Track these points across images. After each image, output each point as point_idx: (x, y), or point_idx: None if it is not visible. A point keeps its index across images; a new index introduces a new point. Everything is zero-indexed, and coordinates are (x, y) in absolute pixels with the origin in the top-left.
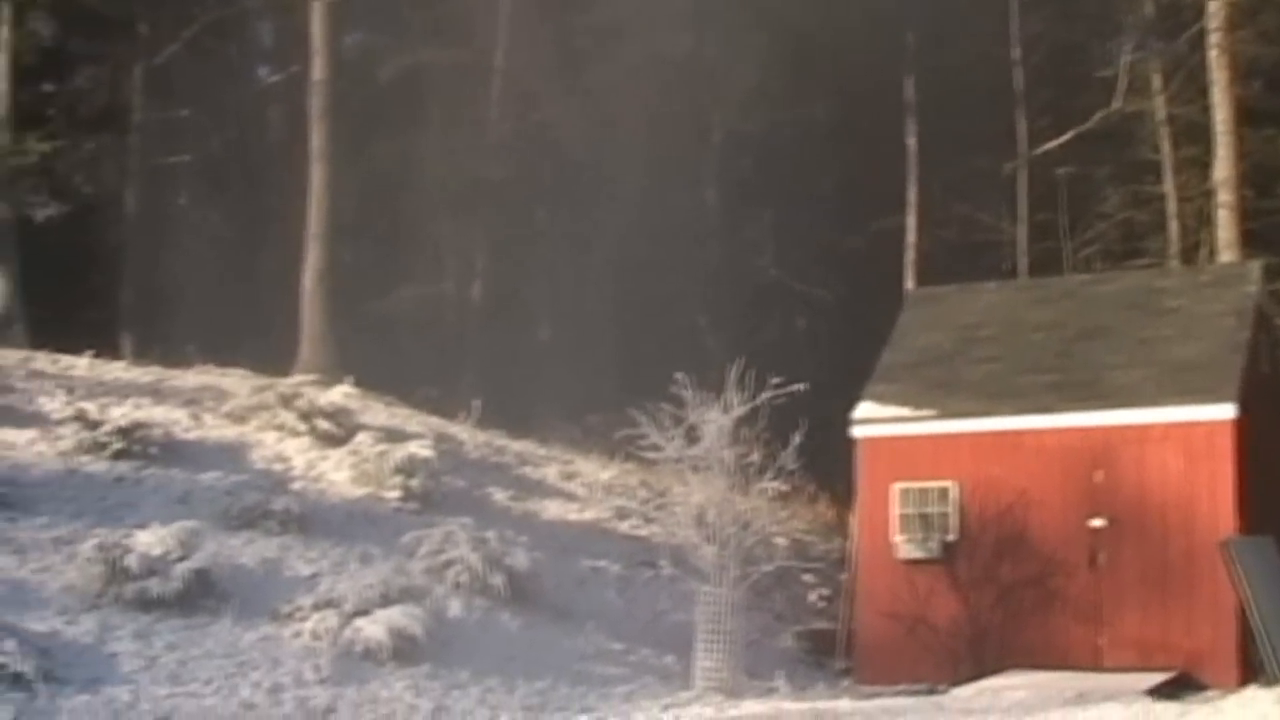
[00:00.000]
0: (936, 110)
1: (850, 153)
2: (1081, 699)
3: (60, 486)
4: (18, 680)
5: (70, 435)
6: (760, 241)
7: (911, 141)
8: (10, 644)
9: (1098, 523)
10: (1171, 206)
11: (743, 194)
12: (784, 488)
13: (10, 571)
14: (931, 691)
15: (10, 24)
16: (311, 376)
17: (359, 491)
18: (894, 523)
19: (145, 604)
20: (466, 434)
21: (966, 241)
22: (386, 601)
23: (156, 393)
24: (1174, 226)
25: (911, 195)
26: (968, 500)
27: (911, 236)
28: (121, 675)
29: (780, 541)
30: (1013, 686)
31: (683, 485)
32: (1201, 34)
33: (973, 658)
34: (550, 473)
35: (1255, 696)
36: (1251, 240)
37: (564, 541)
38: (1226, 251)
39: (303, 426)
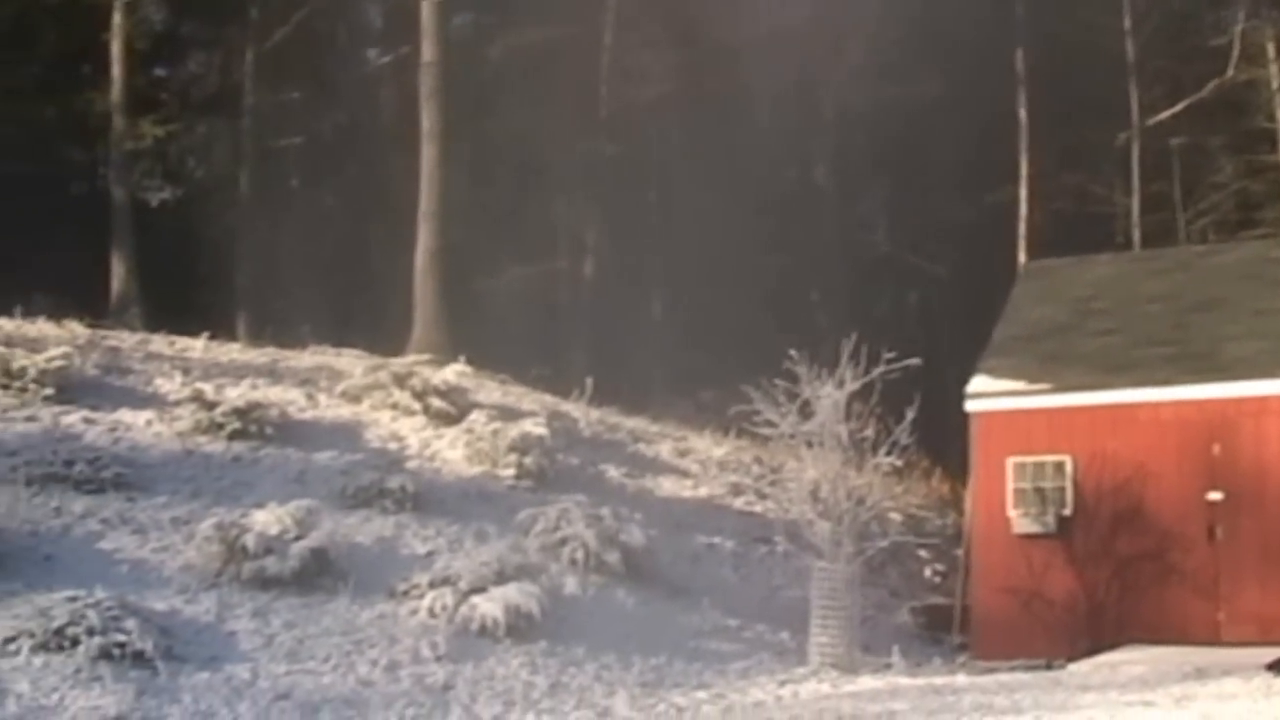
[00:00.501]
0: (1048, 81)
1: (961, 125)
2: (1200, 674)
3: (178, 467)
4: (139, 658)
5: (187, 416)
6: (872, 216)
7: (1023, 113)
8: (131, 623)
9: (1215, 496)
10: None
11: (854, 169)
12: (898, 463)
13: (130, 551)
14: (1048, 667)
15: (123, 10)
16: (425, 356)
17: (474, 470)
18: (1009, 497)
19: (263, 583)
20: (580, 411)
21: (1079, 213)
22: (502, 579)
23: (272, 373)
24: None
25: (1023, 167)
26: (1083, 474)
27: (1024, 209)
28: (240, 653)
29: (895, 517)
30: (1130, 661)
31: (797, 461)
32: None
33: (1089, 633)
34: (664, 449)
35: None
36: None
37: (678, 518)
38: None
39: (417, 405)
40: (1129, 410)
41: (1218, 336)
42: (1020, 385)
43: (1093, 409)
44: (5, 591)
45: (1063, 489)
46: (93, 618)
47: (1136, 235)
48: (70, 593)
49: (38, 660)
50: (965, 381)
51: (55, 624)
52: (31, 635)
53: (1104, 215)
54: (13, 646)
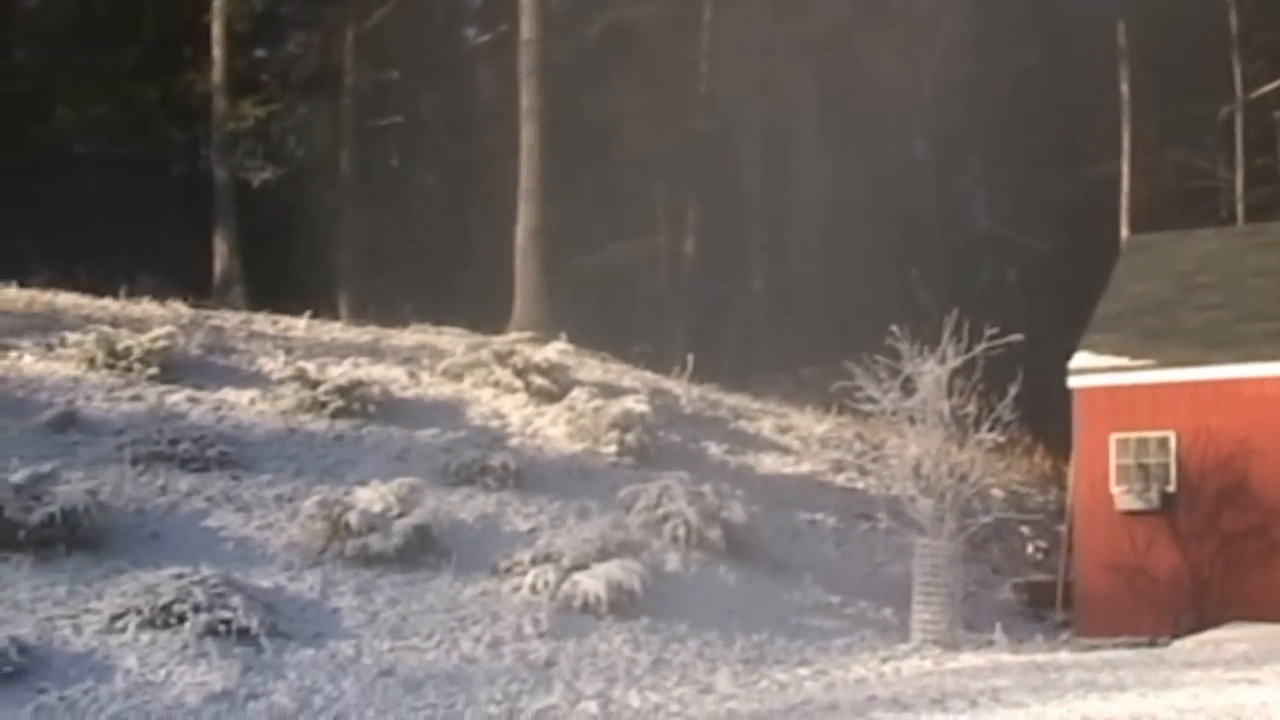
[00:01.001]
0: (1150, 55)
1: (1062, 100)
2: None
3: (281, 445)
4: (244, 635)
5: (290, 394)
6: (971, 192)
7: (1125, 87)
8: (236, 600)
9: None
10: None
11: (953, 144)
12: (1000, 439)
13: (235, 529)
14: (1152, 644)
15: None
16: (526, 334)
17: (575, 447)
18: (1112, 473)
19: (366, 560)
20: (681, 389)
21: (1182, 188)
22: (604, 556)
23: (374, 352)
24: None
25: (1125, 142)
26: (1187, 450)
27: (1126, 184)
28: (344, 630)
29: (997, 493)
30: (1235, 639)
31: (898, 437)
32: None
33: (1194, 610)
34: (765, 426)
35: None
36: None
37: (780, 495)
38: None
39: (518, 383)
40: (1233, 386)
41: None
42: (1123, 361)
43: (1196, 384)
44: (112, 569)
45: (1166, 465)
46: (198, 595)
47: (1240, 209)
48: (176, 570)
49: (145, 637)
50: (1067, 358)
51: (162, 601)
52: (139, 612)
53: (1207, 190)
54: (120, 624)
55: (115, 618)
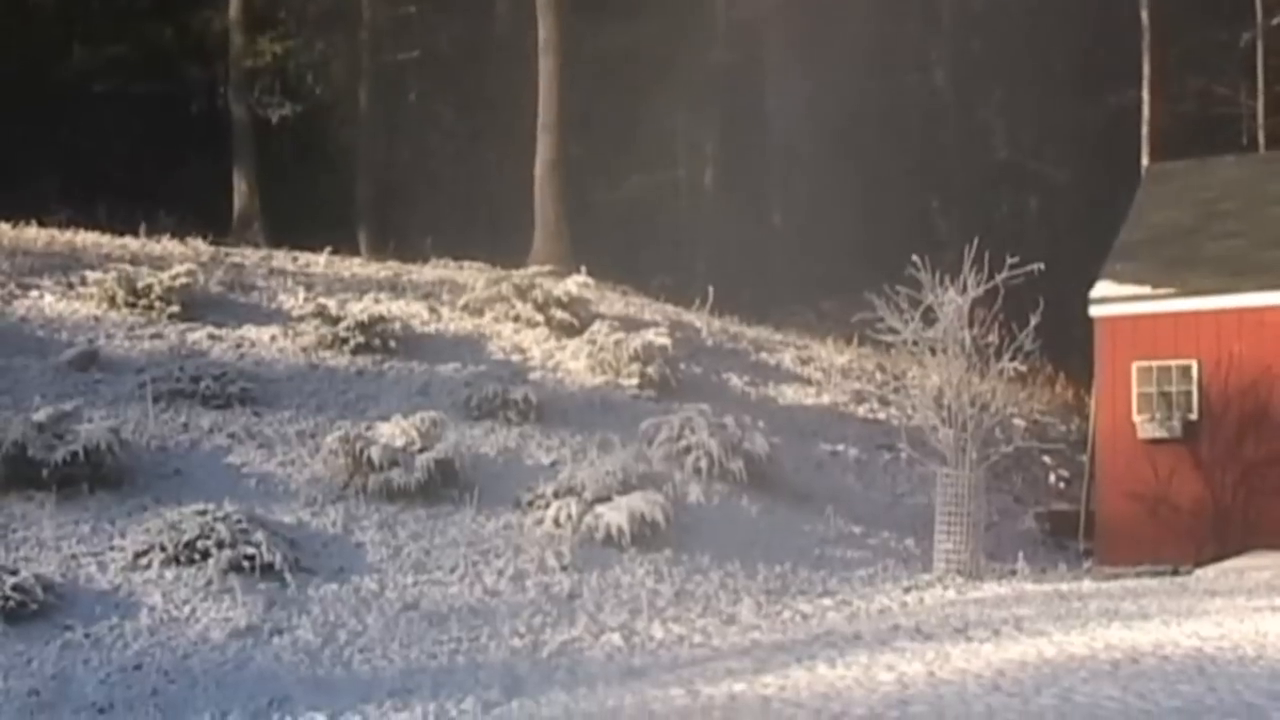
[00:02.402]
0: None
1: (1081, 28)
2: None
3: (303, 381)
4: (268, 570)
5: (311, 331)
6: (991, 122)
7: (1144, 14)
8: (260, 535)
9: None
10: None
11: (973, 74)
12: (1022, 369)
13: (257, 465)
14: (1175, 572)
15: None
16: (546, 268)
17: (596, 380)
18: (1134, 402)
19: (389, 494)
20: (701, 321)
21: (1203, 115)
22: (626, 488)
23: (394, 287)
24: None
25: (1146, 69)
26: (1209, 378)
27: (1146, 112)
28: (368, 564)
29: (1018, 423)
30: (1258, 567)
31: (920, 368)
32: None
33: (1216, 538)
34: (786, 358)
35: None
36: None
37: (801, 426)
38: None
39: (539, 317)
40: (1255, 314)
41: None
42: (1145, 290)
43: (1218, 313)
44: (136, 506)
45: (1188, 393)
46: (222, 531)
47: (1261, 137)
48: (199, 507)
49: (169, 573)
50: (1089, 287)
51: (185, 538)
52: (162, 549)
53: (1229, 117)
54: (144, 560)
55: (139, 555)
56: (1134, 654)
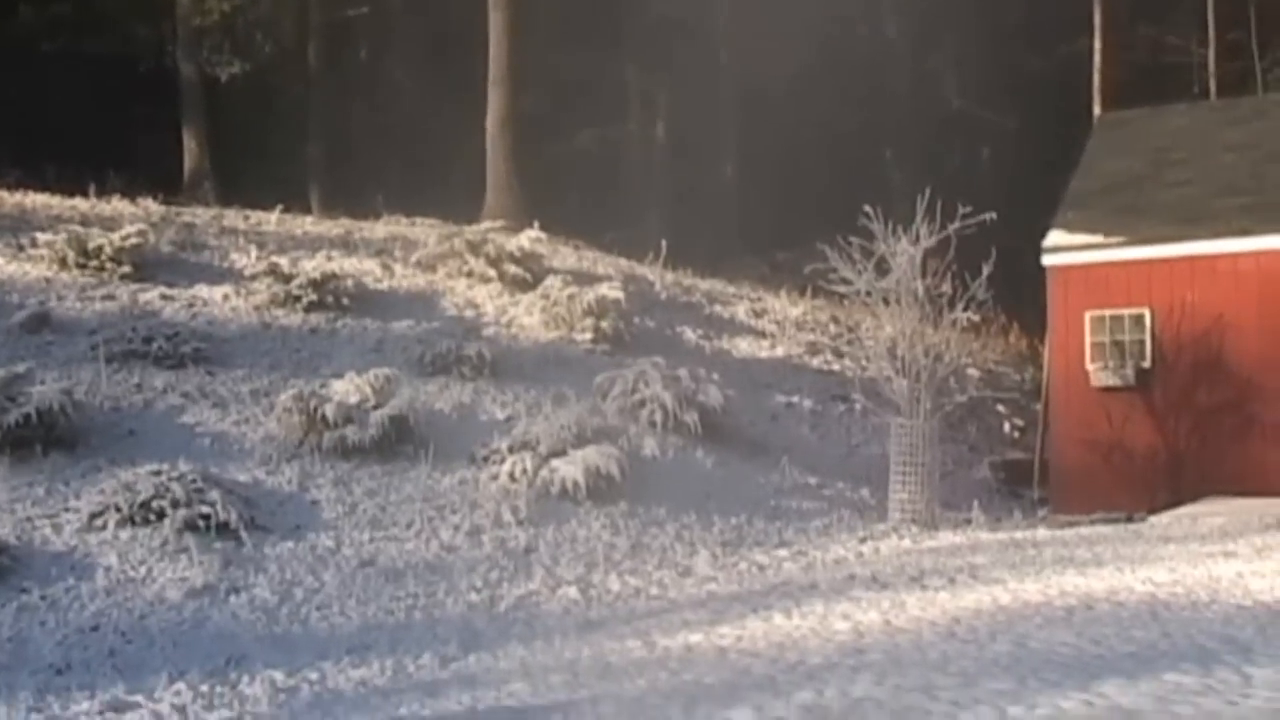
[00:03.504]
0: None
1: None
2: None
3: (256, 340)
4: (224, 529)
5: (263, 289)
6: (943, 71)
7: None
8: (215, 494)
9: None
10: None
11: (924, 24)
12: (975, 318)
13: (211, 425)
14: (1129, 519)
15: None
16: (498, 223)
17: (550, 335)
18: (1087, 351)
19: (344, 452)
20: (655, 274)
21: (1154, 64)
22: (581, 442)
23: (346, 245)
24: None
25: (1096, 18)
26: (1162, 326)
27: (1097, 60)
28: (323, 522)
29: (973, 372)
30: (1211, 513)
31: (873, 318)
32: None
33: (1170, 485)
34: (740, 310)
35: None
36: None
37: (756, 378)
38: None
39: (492, 273)
40: (1208, 261)
41: None
42: (1097, 238)
43: (1171, 261)
44: (90, 467)
45: (1141, 342)
46: (177, 491)
47: (1213, 85)
48: (154, 467)
49: (124, 534)
50: (1041, 236)
51: (140, 498)
52: (118, 510)
53: (1179, 65)
54: (100, 521)
55: (94, 516)
56: (1088, 600)
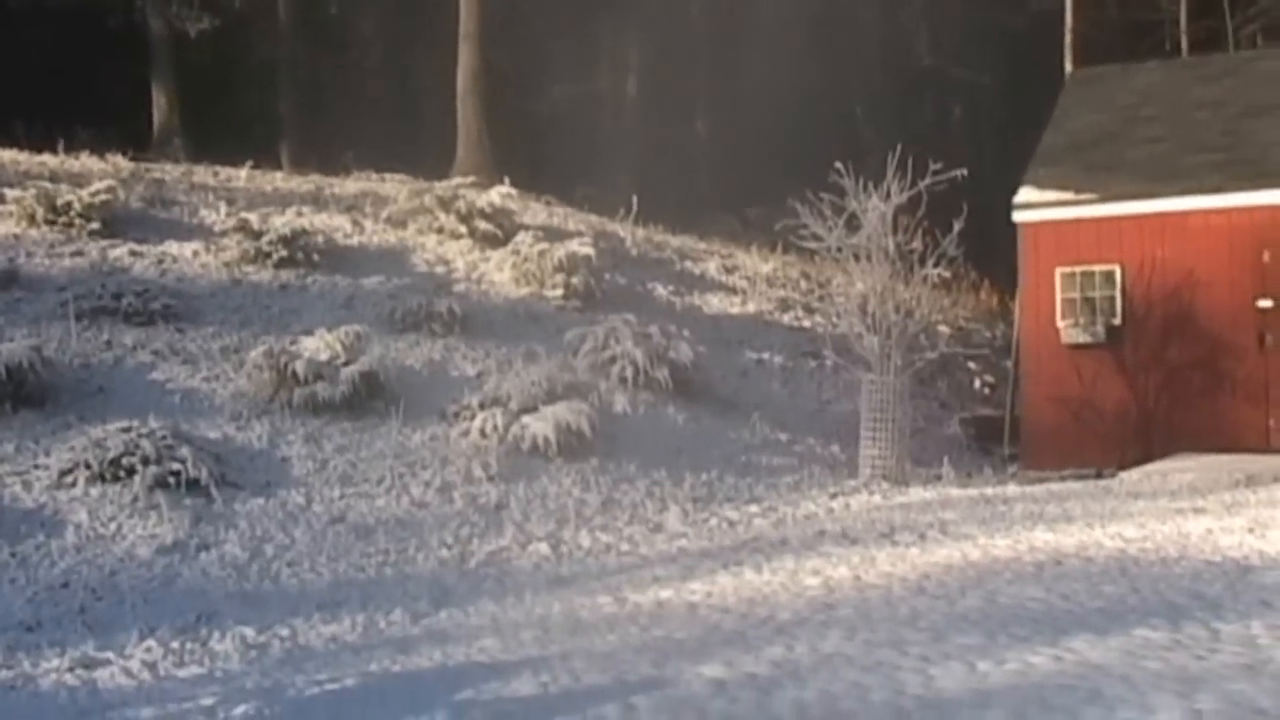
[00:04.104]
0: None
1: None
2: (1251, 481)
3: (226, 296)
4: (194, 486)
5: (233, 246)
6: (914, 26)
7: None
8: (185, 451)
9: (1266, 303)
10: None
11: None
12: (946, 275)
13: (181, 381)
14: (1099, 475)
15: None
16: (469, 179)
17: (521, 291)
18: (1058, 308)
19: (314, 408)
20: (626, 231)
21: (1126, 20)
22: (552, 398)
23: (316, 201)
24: None
25: None
26: (1133, 283)
27: (1069, 16)
28: (294, 478)
29: (943, 329)
30: (1181, 469)
31: (844, 275)
32: None
33: (1140, 441)
34: (711, 267)
35: None
36: None
37: (727, 334)
38: None
39: (463, 229)
40: (1178, 218)
41: (1267, 142)
42: (1068, 195)
43: (1141, 218)
44: (60, 424)
45: (1112, 298)
46: (147, 448)
47: (1184, 42)
48: (124, 424)
49: (94, 491)
50: (1012, 193)
51: (110, 455)
52: (87, 466)
53: (1151, 22)
54: (69, 478)
55: (64, 473)
56: (1058, 556)
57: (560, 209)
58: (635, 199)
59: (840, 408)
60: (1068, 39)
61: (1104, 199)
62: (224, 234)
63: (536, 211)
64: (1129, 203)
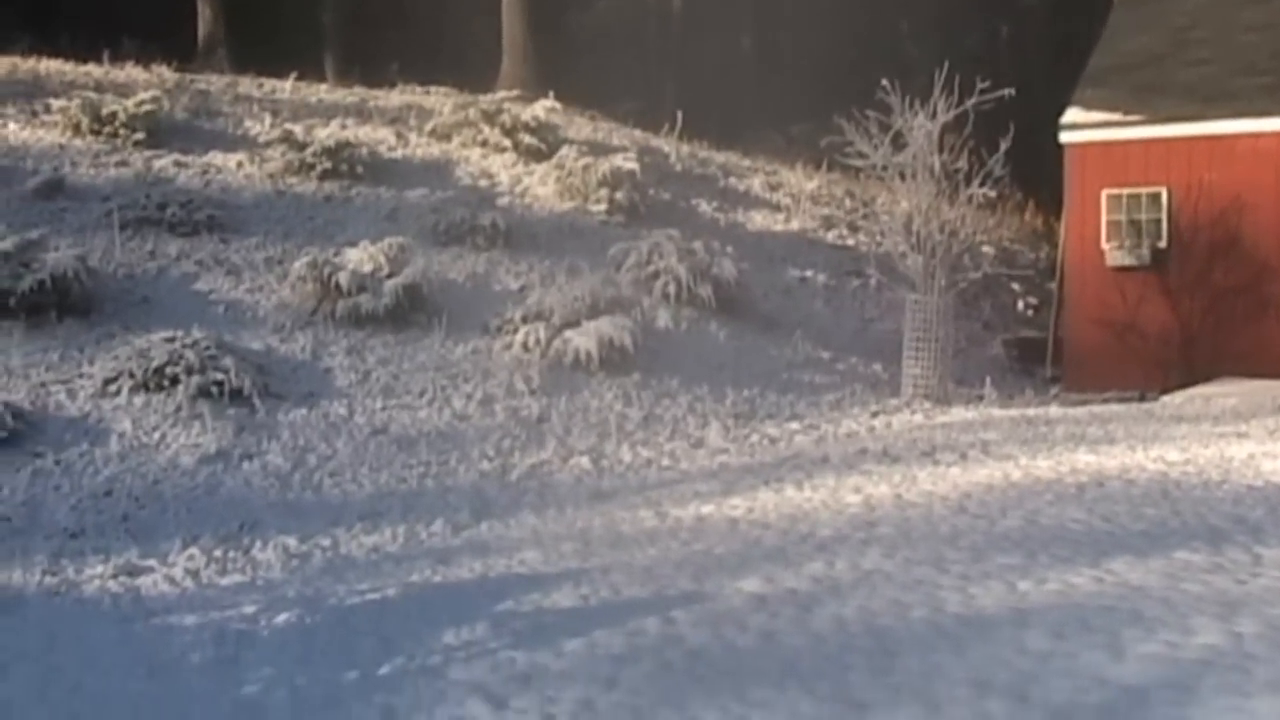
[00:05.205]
0: None
1: None
2: None
3: (270, 208)
4: (237, 396)
5: (277, 157)
6: None
7: None
8: (229, 361)
9: None
10: None
11: None
12: (991, 195)
13: (225, 292)
14: (1141, 399)
15: None
16: (513, 92)
17: (564, 205)
18: (1103, 230)
19: (357, 320)
20: (670, 146)
21: None
22: (595, 313)
23: (360, 113)
24: None
25: None
26: (1179, 206)
27: None
28: (336, 390)
29: (987, 249)
30: (1224, 394)
31: (889, 193)
32: None
33: (1183, 365)
34: (755, 183)
35: None
36: None
37: (770, 252)
38: None
39: (507, 142)
40: (1227, 141)
41: None
42: (1115, 116)
43: (1189, 140)
44: (104, 334)
45: (1158, 221)
46: (190, 357)
47: None
48: (167, 334)
49: (138, 400)
50: (1059, 113)
51: (154, 364)
52: (131, 376)
53: None
54: (113, 387)
55: (108, 382)
56: (1100, 478)
57: (604, 124)
58: (680, 115)
59: (883, 327)
60: None
61: (1152, 121)
62: (268, 145)
63: (581, 126)
64: (1177, 125)
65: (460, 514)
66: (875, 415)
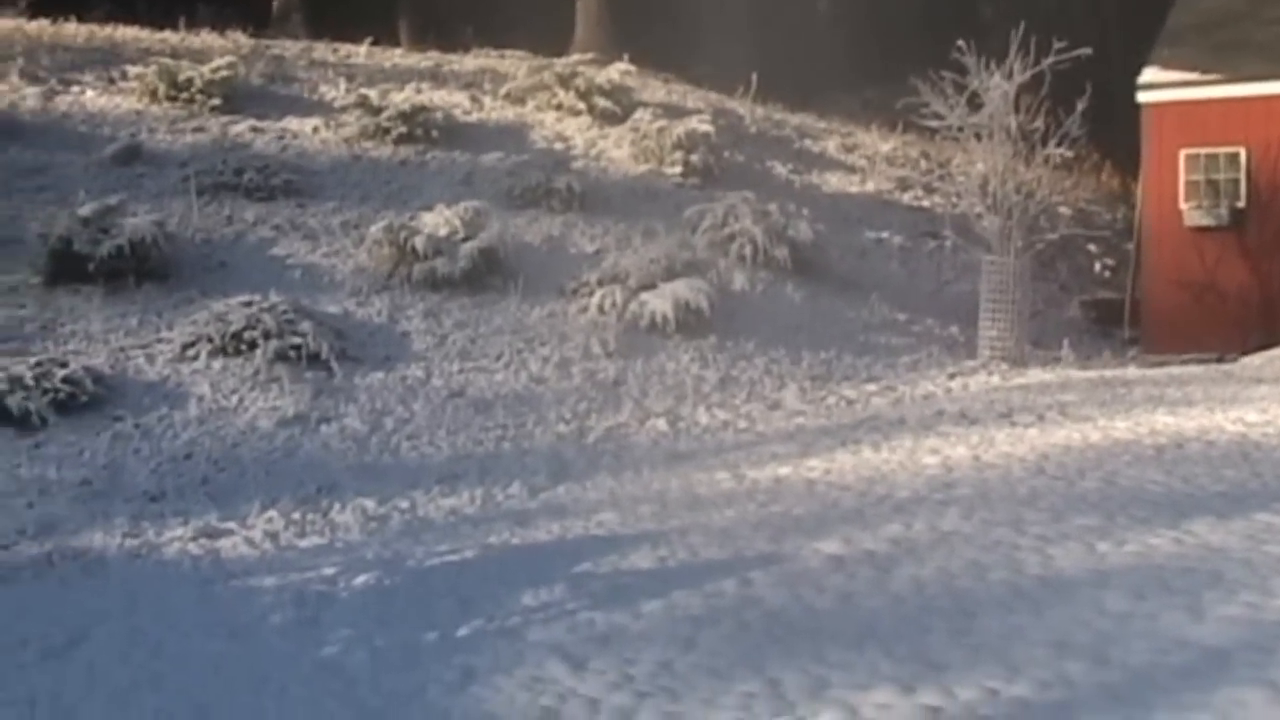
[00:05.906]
0: None
1: None
2: None
3: (346, 172)
4: (315, 360)
5: (353, 122)
6: None
7: None
8: (306, 325)
9: None
10: None
11: None
12: (1068, 155)
13: (302, 256)
14: (1220, 360)
15: None
16: (588, 55)
17: (640, 168)
18: (1181, 190)
19: (433, 284)
20: (744, 109)
21: None
22: (671, 275)
23: (435, 77)
24: None
25: None
26: (1258, 166)
27: None
28: (413, 353)
29: (1064, 210)
30: None
31: (964, 154)
32: None
33: (1262, 326)
34: (830, 145)
35: None
36: None
37: (846, 213)
38: None
39: (581, 105)
40: None
41: None
42: (1193, 76)
43: (1268, 99)
44: (182, 299)
45: (1236, 181)
46: (268, 322)
47: None
48: (245, 298)
49: (216, 364)
50: (1136, 73)
51: (232, 329)
52: (209, 340)
53: None
54: (192, 352)
55: (186, 346)
56: (1179, 439)
57: (679, 86)
58: (754, 77)
59: (959, 288)
60: None
61: (1230, 80)
62: (343, 110)
63: (655, 89)
64: (1256, 84)
65: (537, 476)
66: (952, 377)
